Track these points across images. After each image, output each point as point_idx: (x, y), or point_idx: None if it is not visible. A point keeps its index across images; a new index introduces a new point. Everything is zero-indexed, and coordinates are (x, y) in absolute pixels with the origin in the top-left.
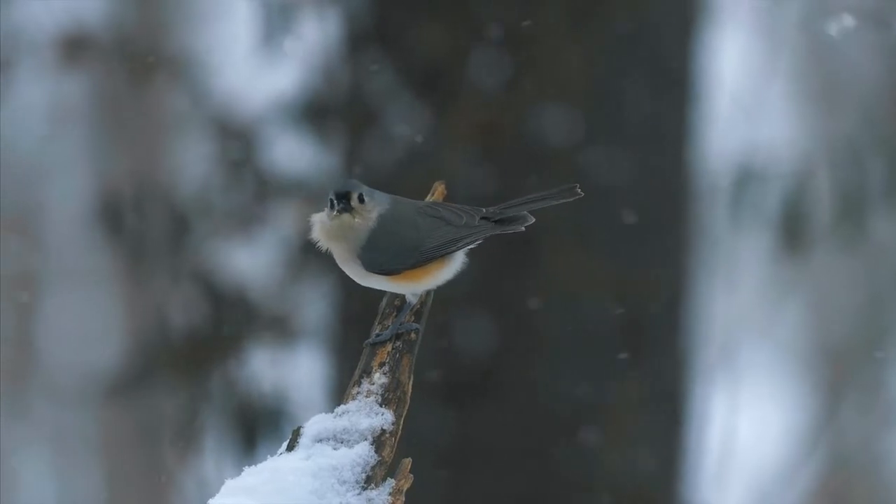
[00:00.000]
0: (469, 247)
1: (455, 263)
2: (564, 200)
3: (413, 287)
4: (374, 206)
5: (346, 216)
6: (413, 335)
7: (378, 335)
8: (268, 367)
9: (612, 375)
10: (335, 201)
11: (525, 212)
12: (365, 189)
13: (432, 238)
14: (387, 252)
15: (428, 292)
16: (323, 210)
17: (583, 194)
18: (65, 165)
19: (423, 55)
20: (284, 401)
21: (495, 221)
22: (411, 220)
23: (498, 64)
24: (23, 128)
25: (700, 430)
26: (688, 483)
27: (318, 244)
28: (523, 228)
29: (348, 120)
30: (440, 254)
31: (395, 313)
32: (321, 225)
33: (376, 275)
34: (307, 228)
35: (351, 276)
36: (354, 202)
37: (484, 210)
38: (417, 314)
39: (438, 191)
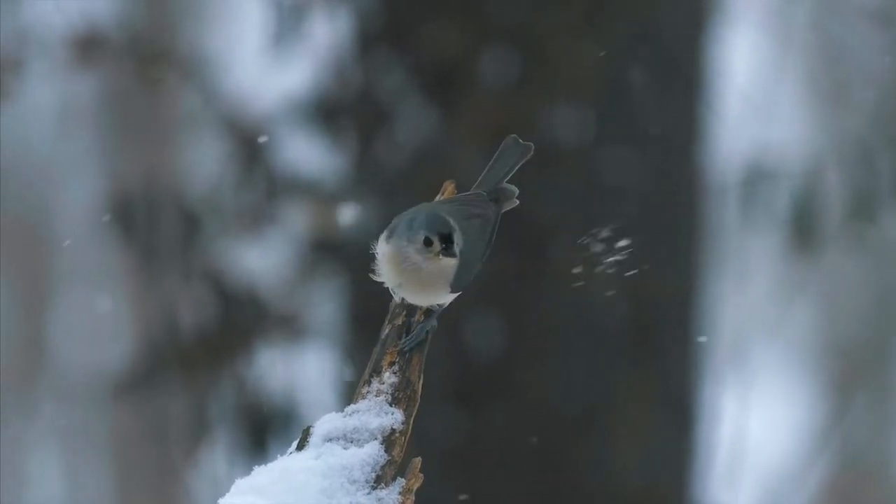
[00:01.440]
0: None
1: None
2: (524, 160)
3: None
4: (460, 242)
5: (446, 260)
6: (424, 334)
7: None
8: (278, 367)
9: (623, 375)
10: (437, 242)
11: (507, 185)
12: (454, 226)
13: (483, 242)
14: (469, 272)
15: None
16: (387, 240)
17: (532, 145)
18: (76, 165)
19: (434, 54)
20: (294, 400)
21: (494, 201)
22: (474, 234)
23: (508, 63)
24: (34, 128)
25: (710, 429)
26: (698, 482)
27: (383, 278)
28: (517, 201)
29: (359, 119)
30: (489, 251)
31: (403, 312)
32: (400, 259)
33: (451, 293)
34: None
35: (414, 299)
36: (458, 244)
37: (484, 193)
38: (426, 313)
39: (448, 190)
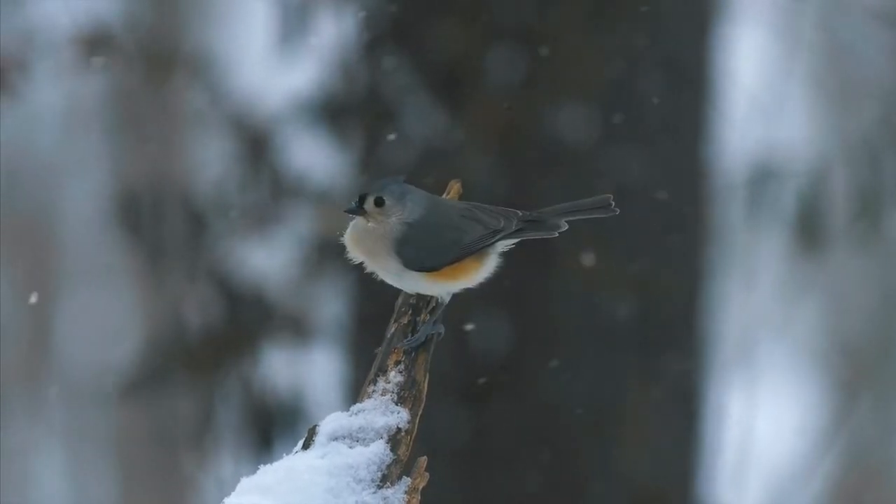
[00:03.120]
0: (505, 246)
1: (491, 263)
2: (600, 216)
3: (450, 286)
4: (396, 213)
5: (360, 220)
6: (425, 336)
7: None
8: (284, 366)
9: (629, 374)
10: (355, 200)
11: (560, 219)
12: (394, 192)
13: (470, 236)
14: (425, 249)
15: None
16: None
17: (618, 211)
18: (82, 164)
19: (440, 54)
20: (300, 399)
21: (528, 222)
22: (452, 222)
23: (514, 63)
24: (40, 128)
25: (717, 428)
26: (704, 481)
27: (347, 249)
28: (556, 234)
29: (365, 119)
30: (477, 248)
31: (409, 311)
32: (353, 223)
33: (414, 272)
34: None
35: (383, 275)
36: (369, 206)
37: (520, 213)
38: (431, 312)
39: (454, 189)
